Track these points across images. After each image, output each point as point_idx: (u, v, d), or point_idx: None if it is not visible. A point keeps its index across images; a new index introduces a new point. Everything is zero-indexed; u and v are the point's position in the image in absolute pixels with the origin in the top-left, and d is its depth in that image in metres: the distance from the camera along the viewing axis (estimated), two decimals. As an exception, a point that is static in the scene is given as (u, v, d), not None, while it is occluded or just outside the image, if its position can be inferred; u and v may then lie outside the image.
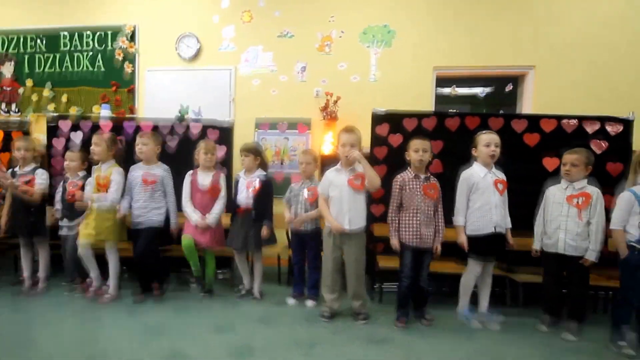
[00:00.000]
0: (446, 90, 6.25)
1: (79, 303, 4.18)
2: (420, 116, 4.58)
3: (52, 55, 6.76)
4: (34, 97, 6.79)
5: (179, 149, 5.01)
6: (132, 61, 6.55)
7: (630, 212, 3.24)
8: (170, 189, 4.30)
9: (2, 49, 6.87)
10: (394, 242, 3.64)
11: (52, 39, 6.74)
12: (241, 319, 3.79)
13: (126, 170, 4.28)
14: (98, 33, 6.60)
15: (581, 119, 4.41)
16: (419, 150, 3.61)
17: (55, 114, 5.26)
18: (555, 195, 3.65)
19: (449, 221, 3.77)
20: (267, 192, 4.23)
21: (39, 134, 5.48)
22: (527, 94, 5.93)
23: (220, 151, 4.83)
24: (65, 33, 6.69)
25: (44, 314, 3.90)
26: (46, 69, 6.80)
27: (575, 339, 3.47)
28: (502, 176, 3.72)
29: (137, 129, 4.97)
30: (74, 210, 4.30)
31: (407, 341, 3.37)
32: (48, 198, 4.56)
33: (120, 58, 6.56)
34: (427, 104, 5.87)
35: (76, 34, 6.67)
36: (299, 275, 4.32)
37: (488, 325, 3.69)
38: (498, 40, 5.74)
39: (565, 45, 5.65)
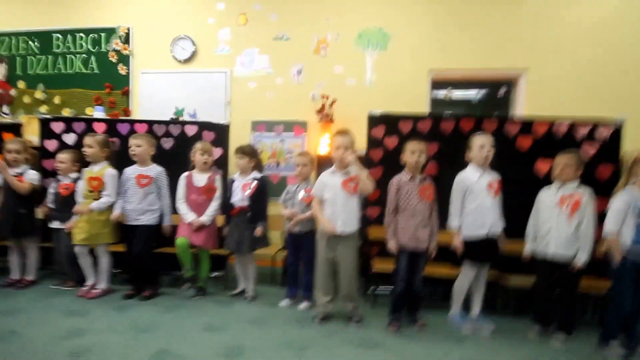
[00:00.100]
0: (441, 93, 6.26)
1: (67, 297, 4.17)
2: (415, 118, 4.58)
3: (44, 57, 6.74)
4: (26, 99, 6.75)
5: (175, 150, 4.99)
6: (126, 63, 6.52)
7: (626, 217, 3.23)
8: (165, 190, 4.29)
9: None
10: (391, 245, 3.62)
11: (44, 40, 6.72)
12: (233, 319, 3.76)
13: (120, 172, 4.26)
14: (91, 34, 6.59)
15: (573, 122, 4.41)
16: (415, 153, 3.60)
17: (47, 116, 5.19)
18: (546, 198, 3.64)
19: (443, 224, 3.76)
20: (263, 193, 4.24)
21: (31, 136, 5.44)
22: (520, 97, 5.96)
23: (216, 152, 4.80)
24: (58, 34, 6.67)
25: (29, 306, 3.88)
26: (39, 71, 6.77)
27: (565, 341, 3.46)
28: (496, 178, 3.72)
29: (132, 131, 4.95)
30: (65, 212, 4.29)
31: (399, 345, 3.34)
32: (38, 197, 4.54)
33: (114, 60, 6.53)
34: (423, 107, 5.88)
35: (69, 35, 6.65)
36: (293, 276, 4.29)
37: (480, 330, 3.67)
38: (492, 43, 5.77)
39: (558, 49, 5.69)
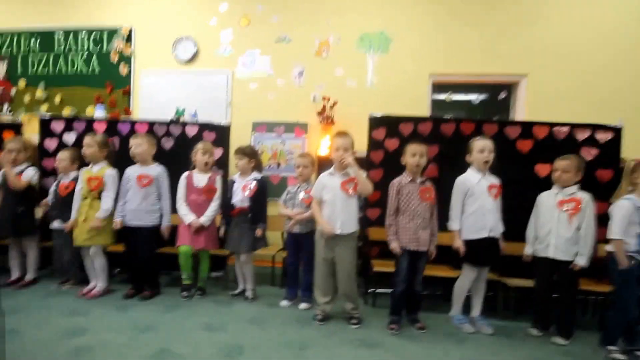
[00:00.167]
0: (442, 97, 6.28)
1: (67, 297, 4.17)
2: (416, 121, 4.60)
3: (46, 55, 6.74)
4: (27, 98, 6.75)
5: (175, 150, 4.99)
6: (128, 62, 6.53)
7: (629, 222, 3.25)
8: (166, 190, 4.28)
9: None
10: (394, 246, 3.62)
11: (46, 38, 6.73)
12: (233, 319, 3.76)
13: (121, 172, 4.26)
14: (93, 33, 6.60)
15: (572, 126, 4.45)
16: (415, 155, 3.61)
17: (47, 117, 5.19)
18: (546, 201, 3.66)
19: (443, 226, 3.77)
20: (263, 194, 4.25)
21: (31, 134, 5.43)
22: (520, 101, 5.99)
23: (217, 153, 4.81)
24: (60, 33, 6.67)
25: (29, 306, 3.88)
26: (40, 69, 6.77)
27: (565, 343, 3.47)
28: (496, 181, 3.74)
29: (132, 131, 4.96)
30: (65, 212, 4.27)
31: (398, 345, 3.35)
32: (37, 196, 4.55)
33: (116, 59, 6.54)
34: (423, 110, 5.92)
35: (71, 34, 6.65)
36: (293, 277, 4.29)
37: (480, 330, 3.68)
38: (493, 48, 5.81)
39: (558, 54, 5.73)
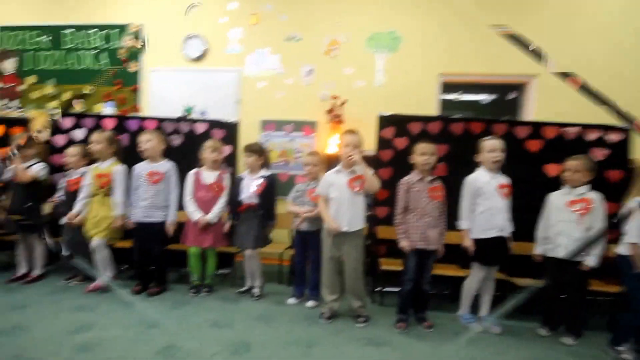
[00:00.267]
0: (451, 97, 6.27)
1: (75, 292, 4.19)
2: (425, 120, 4.60)
3: (56, 52, 6.76)
4: (36, 94, 6.78)
5: (184, 147, 4.99)
6: (136, 58, 6.55)
7: None
8: (175, 185, 4.27)
9: (6, 45, 6.86)
10: (404, 244, 3.62)
11: (56, 35, 6.75)
12: (240, 316, 3.76)
13: (129, 169, 4.27)
14: (103, 31, 6.61)
15: (582, 126, 4.43)
16: (425, 154, 3.61)
17: (56, 117, 5.21)
18: (556, 201, 3.65)
19: (451, 225, 3.77)
20: (272, 190, 4.26)
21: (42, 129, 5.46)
22: (529, 102, 5.96)
23: (226, 151, 4.81)
24: (70, 30, 6.70)
25: (36, 301, 3.90)
26: (49, 66, 6.79)
27: (574, 342, 3.47)
28: (506, 181, 3.73)
29: (141, 128, 4.97)
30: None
31: (406, 344, 3.34)
32: (45, 192, 4.58)
33: (125, 56, 6.56)
34: (432, 110, 5.91)
35: (81, 31, 6.67)
36: (300, 275, 4.29)
37: (489, 329, 3.67)
38: (503, 48, 5.76)
39: (568, 55, 5.67)
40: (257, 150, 4.29)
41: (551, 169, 4.32)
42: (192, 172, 4.32)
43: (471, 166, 3.81)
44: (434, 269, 3.73)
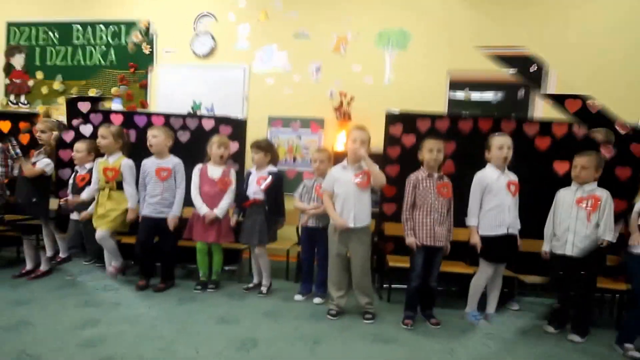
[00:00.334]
0: (459, 94, 6.24)
1: (81, 288, 4.21)
2: (433, 117, 4.56)
3: (64, 48, 6.80)
4: (44, 90, 6.81)
5: (192, 143, 4.97)
6: (147, 57, 6.56)
7: None
8: (181, 180, 4.27)
9: (14, 40, 6.90)
10: (410, 241, 3.60)
11: (64, 31, 6.79)
12: (246, 312, 3.75)
13: (137, 164, 4.28)
14: (112, 27, 6.63)
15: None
16: (433, 151, 3.59)
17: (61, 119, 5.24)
18: (565, 198, 3.63)
19: (459, 222, 3.75)
20: (278, 187, 4.25)
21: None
22: (538, 100, 5.92)
23: (233, 147, 4.81)
24: (78, 26, 6.73)
25: (43, 297, 3.90)
26: (57, 62, 6.82)
27: (581, 340, 3.45)
28: (514, 178, 3.71)
29: (149, 123, 4.96)
30: (83, 203, 4.31)
31: (413, 341, 3.33)
32: (52, 187, 4.60)
33: (134, 51, 6.57)
34: (440, 107, 5.87)
35: (89, 27, 6.70)
36: (308, 272, 4.29)
37: (494, 329, 3.66)
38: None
39: (578, 54, 5.64)
40: (264, 146, 4.27)
41: (560, 167, 4.29)
42: (198, 166, 4.31)
43: (479, 165, 3.78)
44: (441, 266, 3.71)
